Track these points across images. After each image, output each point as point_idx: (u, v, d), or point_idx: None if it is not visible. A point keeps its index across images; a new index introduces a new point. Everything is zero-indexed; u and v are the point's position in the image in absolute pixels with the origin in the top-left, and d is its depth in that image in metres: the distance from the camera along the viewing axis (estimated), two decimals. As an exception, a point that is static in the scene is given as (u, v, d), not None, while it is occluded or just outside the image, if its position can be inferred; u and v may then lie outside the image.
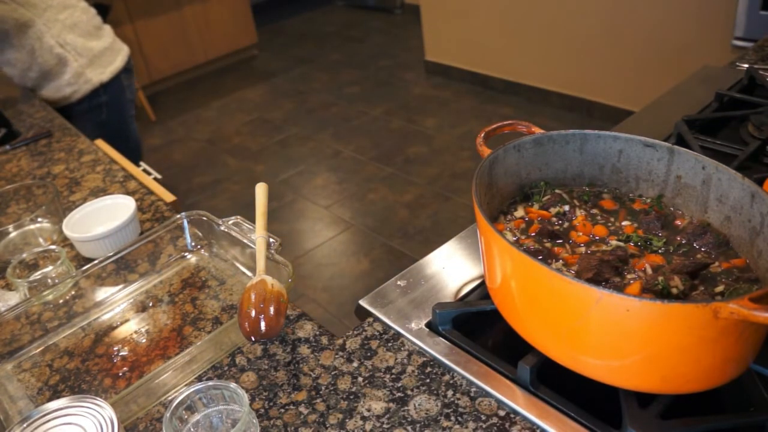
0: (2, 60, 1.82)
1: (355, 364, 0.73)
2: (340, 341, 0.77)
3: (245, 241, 0.91)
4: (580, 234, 0.72)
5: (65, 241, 1.07)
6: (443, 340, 0.73)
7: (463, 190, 2.87)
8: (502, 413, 0.64)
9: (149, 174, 1.43)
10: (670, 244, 0.70)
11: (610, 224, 0.74)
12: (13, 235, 1.06)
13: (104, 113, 1.92)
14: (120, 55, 1.93)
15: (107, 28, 1.93)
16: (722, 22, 2.58)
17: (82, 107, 1.88)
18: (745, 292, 0.59)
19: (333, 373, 0.72)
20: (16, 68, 1.82)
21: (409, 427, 0.64)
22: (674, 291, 0.61)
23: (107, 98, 1.90)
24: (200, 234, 1.00)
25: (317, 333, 0.79)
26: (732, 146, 1.03)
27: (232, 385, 0.64)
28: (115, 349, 0.83)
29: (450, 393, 0.67)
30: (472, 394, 0.67)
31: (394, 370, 0.71)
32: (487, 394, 0.66)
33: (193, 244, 1.00)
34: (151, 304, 0.91)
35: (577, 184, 0.82)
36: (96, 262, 0.92)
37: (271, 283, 0.76)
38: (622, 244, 0.70)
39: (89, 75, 1.84)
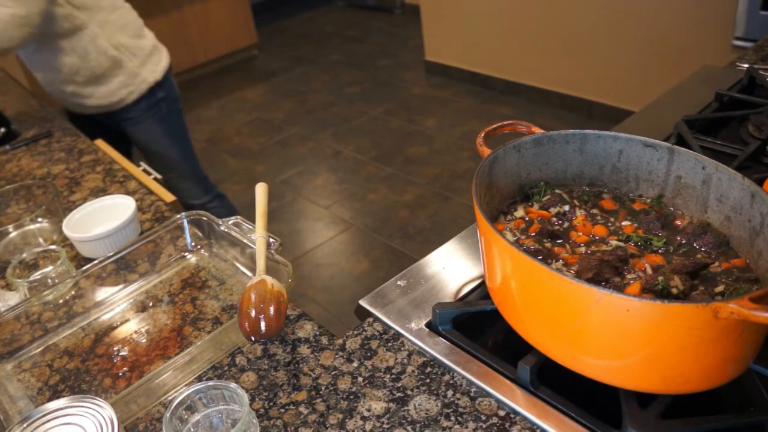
0: (44, 65, 1.70)
1: (355, 364, 0.73)
2: (340, 341, 0.77)
3: (245, 241, 0.91)
4: (580, 234, 0.72)
5: (65, 241, 1.07)
6: (443, 340, 0.73)
7: (463, 190, 2.87)
8: (502, 413, 0.64)
9: (149, 174, 1.42)
10: (670, 244, 0.70)
11: (610, 224, 0.74)
12: (13, 235, 1.06)
13: (164, 108, 1.88)
14: (164, 52, 1.89)
15: (146, 29, 1.88)
16: (722, 22, 2.58)
17: (140, 107, 1.82)
18: (745, 292, 0.59)
19: (333, 373, 0.72)
20: (60, 73, 1.69)
21: (409, 427, 0.64)
22: (674, 291, 0.61)
23: (164, 94, 1.86)
24: (200, 234, 1.00)
25: (317, 333, 0.79)
26: (732, 146, 1.03)
27: (232, 385, 0.64)
28: (115, 349, 0.83)
29: (450, 393, 0.67)
30: (472, 394, 0.67)
31: (394, 370, 0.71)
32: (487, 394, 0.66)
33: (193, 244, 1.00)
34: (151, 304, 0.91)
35: (577, 184, 0.82)
36: (96, 262, 0.92)
37: (271, 283, 0.76)
38: (622, 244, 0.70)
39: (144, 74, 1.79)
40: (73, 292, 0.90)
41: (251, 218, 0.93)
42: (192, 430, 0.65)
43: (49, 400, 0.73)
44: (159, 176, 1.43)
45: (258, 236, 0.85)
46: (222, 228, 0.95)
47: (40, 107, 1.77)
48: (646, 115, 1.22)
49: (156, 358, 0.81)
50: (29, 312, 0.87)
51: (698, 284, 0.63)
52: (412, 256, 2.47)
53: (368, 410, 0.67)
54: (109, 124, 1.86)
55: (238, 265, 0.95)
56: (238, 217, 0.96)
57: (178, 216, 0.98)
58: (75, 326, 0.88)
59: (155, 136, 1.88)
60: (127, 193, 1.22)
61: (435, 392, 0.68)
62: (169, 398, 0.73)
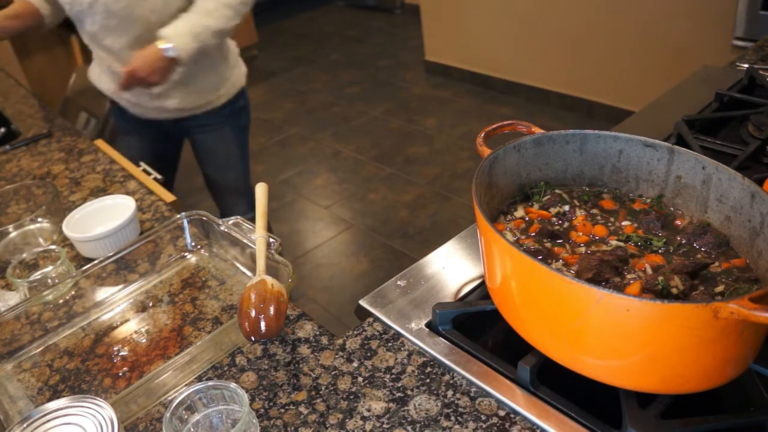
0: None
1: (355, 364, 0.73)
2: (340, 341, 0.77)
3: (245, 241, 0.91)
4: (580, 234, 0.72)
5: (65, 241, 1.07)
6: (443, 340, 0.73)
7: (463, 190, 2.86)
8: (502, 413, 0.64)
9: (149, 174, 1.42)
10: (670, 244, 0.70)
11: (610, 224, 0.74)
12: (13, 235, 1.06)
13: (243, 118, 1.83)
14: (241, 59, 1.84)
15: None
16: (722, 22, 2.58)
17: (223, 112, 1.76)
18: (745, 292, 0.59)
19: (333, 373, 0.72)
20: None
21: (409, 427, 0.64)
22: (674, 291, 0.61)
23: (243, 102, 1.82)
24: (200, 234, 1.00)
25: (317, 333, 0.79)
26: (732, 146, 1.03)
27: (232, 385, 0.64)
28: (115, 349, 0.83)
29: (450, 393, 0.67)
30: (472, 394, 0.67)
31: (394, 370, 0.71)
32: (487, 394, 0.66)
33: (193, 244, 1.00)
34: (151, 304, 0.91)
35: (577, 184, 0.82)
36: (96, 262, 0.92)
37: (271, 283, 0.76)
38: (622, 244, 0.70)
39: (233, 79, 1.74)
40: (73, 292, 0.90)
41: (251, 218, 0.93)
42: (192, 430, 0.65)
43: (49, 400, 0.73)
44: (159, 176, 1.43)
45: (258, 236, 0.85)
46: (222, 228, 0.95)
47: (40, 107, 1.77)
48: (646, 115, 1.22)
49: (156, 358, 0.81)
50: (29, 312, 0.87)
51: (698, 284, 0.63)
52: (412, 256, 2.47)
53: (368, 410, 0.67)
54: (173, 132, 1.79)
55: (238, 265, 0.95)
56: (238, 217, 0.96)
57: (178, 216, 0.98)
58: (75, 326, 0.88)
59: (229, 145, 1.82)
60: (127, 193, 1.22)
61: (435, 392, 0.68)
62: (169, 398, 0.73)
